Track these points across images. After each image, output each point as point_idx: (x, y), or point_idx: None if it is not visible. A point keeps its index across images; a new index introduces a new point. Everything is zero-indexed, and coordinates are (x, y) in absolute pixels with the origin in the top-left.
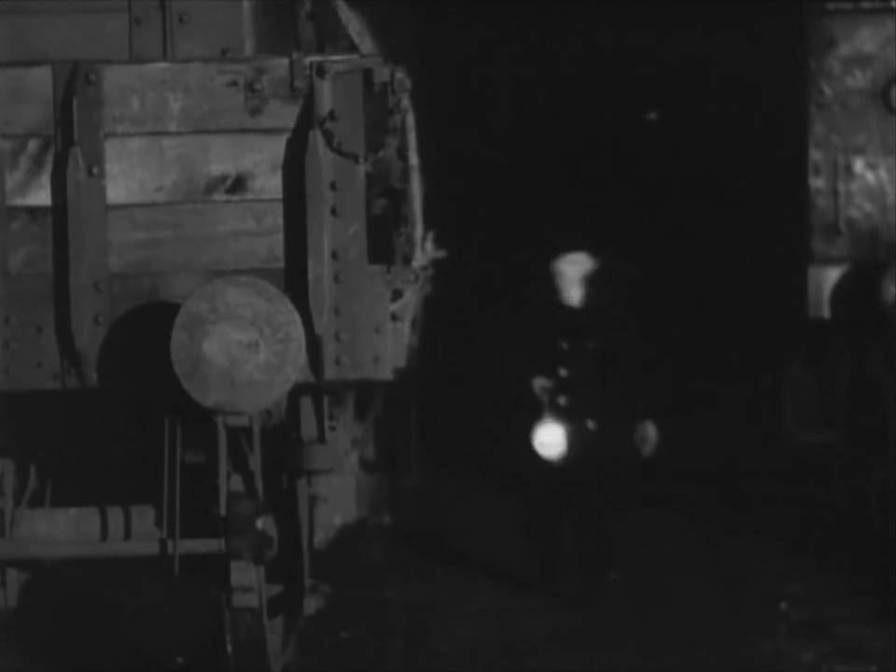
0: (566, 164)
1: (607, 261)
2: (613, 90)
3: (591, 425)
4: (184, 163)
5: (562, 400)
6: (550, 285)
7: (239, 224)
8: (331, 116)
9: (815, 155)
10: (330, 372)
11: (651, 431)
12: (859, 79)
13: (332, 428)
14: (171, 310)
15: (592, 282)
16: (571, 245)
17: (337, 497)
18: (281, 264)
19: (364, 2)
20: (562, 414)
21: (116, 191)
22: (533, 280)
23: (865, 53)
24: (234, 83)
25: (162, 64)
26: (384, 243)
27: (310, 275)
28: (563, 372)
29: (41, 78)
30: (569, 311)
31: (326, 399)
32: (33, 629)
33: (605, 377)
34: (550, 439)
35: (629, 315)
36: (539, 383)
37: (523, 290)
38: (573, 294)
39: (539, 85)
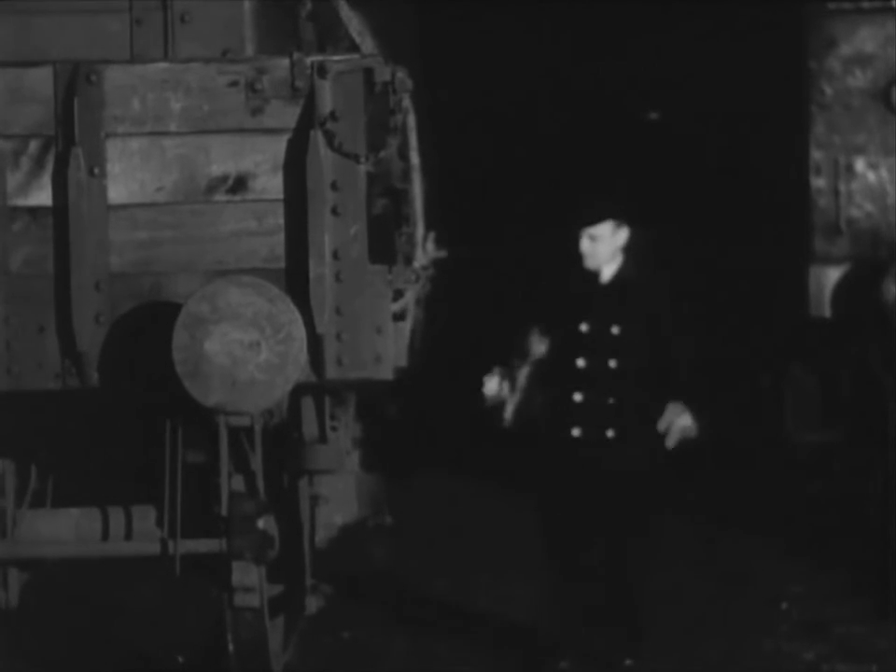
0: (567, 163)
1: (638, 232)
2: (615, 88)
3: (611, 432)
4: (185, 163)
5: (578, 397)
6: (570, 263)
7: (240, 224)
8: (332, 116)
9: (816, 155)
10: (332, 372)
11: (684, 415)
12: (859, 79)
13: (334, 428)
14: (172, 310)
15: (623, 254)
16: (590, 219)
17: (338, 496)
18: (282, 264)
19: (365, 2)
20: (579, 413)
21: (117, 191)
22: (550, 261)
23: (866, 53)
24: (235, 83)
25: (163, 65)
26: (385, 242)
27: (311, 275)
28: (581, 363)
29: (42, 79)
30: (591, 290)
31: (327, 399)
32: (33, 629)
33: (633, 366)
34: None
35: (664, 289)
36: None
37: (538, 274)
38: (599, 270)
39: (540, 84)
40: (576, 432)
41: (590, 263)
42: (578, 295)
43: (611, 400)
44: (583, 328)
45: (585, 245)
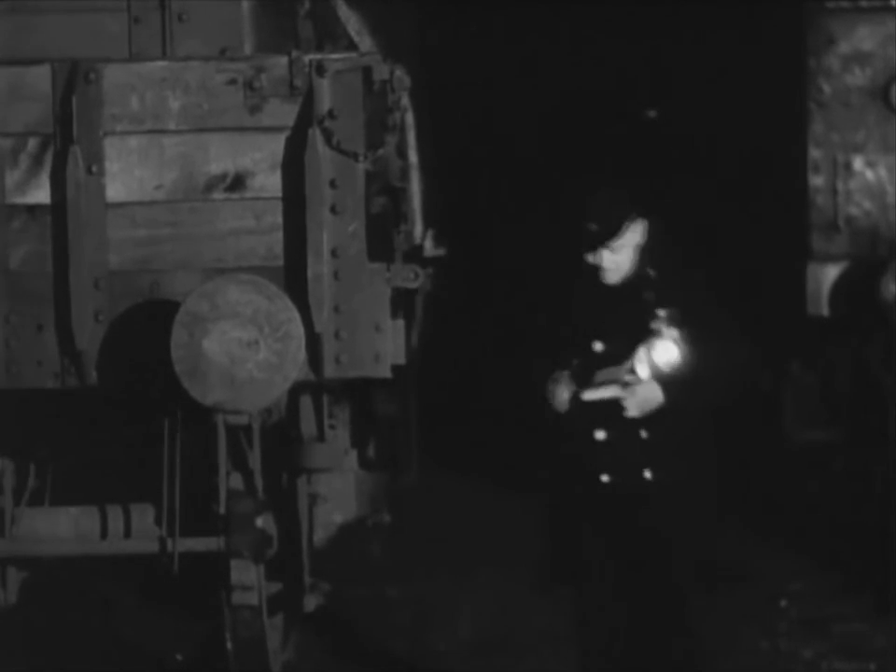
0: (566, 162)
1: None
2: (614, 87)
3: (648, 473)
4: (183, 162)
5: (601, 435)
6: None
7: (239, 222)
8: (331, 114)
9: (814, 153)
10: (330, 370)
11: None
12: (858, 77)
13: (332, 427)
14: (171, 308)
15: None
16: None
17: (337, 495)
18: (281, 262)
19: (363, 0)
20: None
21: (115, 190)
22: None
23: (865, 51)
24: (233, 81)
25: (162, 63)
26: (383, 241)
27: (309, 273)
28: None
29: (40, 77)
30: (602, 302)
31: (325, 398)
32: (33, 628)
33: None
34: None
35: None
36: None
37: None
38: (616, 275)
39: (540, 84)
40: (605, 478)
41: (612, 277)
42: (587, 310)
43: (643, 434)
44: (598, 347)
45: (607, 259)
